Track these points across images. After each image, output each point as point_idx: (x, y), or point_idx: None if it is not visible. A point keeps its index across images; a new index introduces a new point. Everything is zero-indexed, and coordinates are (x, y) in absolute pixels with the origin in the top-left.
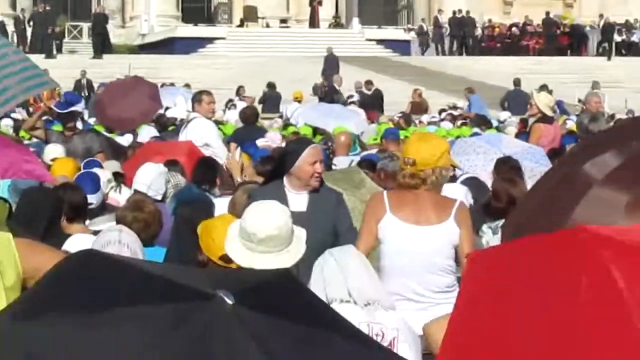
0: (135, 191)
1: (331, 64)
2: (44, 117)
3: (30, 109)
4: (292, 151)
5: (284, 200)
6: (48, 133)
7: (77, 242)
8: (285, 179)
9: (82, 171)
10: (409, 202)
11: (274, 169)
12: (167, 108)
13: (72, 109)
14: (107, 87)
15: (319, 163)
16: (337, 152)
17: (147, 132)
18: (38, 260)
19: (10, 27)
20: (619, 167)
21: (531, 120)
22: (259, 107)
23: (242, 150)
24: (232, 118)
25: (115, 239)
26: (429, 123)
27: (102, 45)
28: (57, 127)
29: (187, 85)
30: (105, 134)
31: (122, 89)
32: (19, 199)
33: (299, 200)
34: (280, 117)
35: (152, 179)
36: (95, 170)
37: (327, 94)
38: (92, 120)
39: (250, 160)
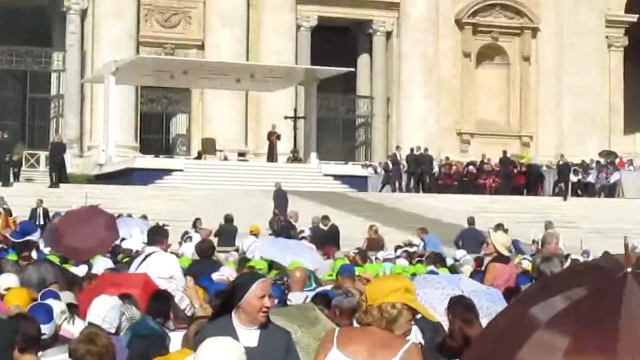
0: (89, 323)
1: (280, 198)
2: None
3: None
4: (241, 284)
5: (233, 335)
6: (2, 262)
7: None
8: (233, 313)
9: (36, 302)
10: (357, 338)
11: (223, 303)
12: (122, 239)
13: (28, 238)
14: (64, 216)
15: (268, 297)
16: (292, 287)
17: (101, 263)
18: None
19: None
20: (564, 311)
21: (487, 259)
22: (215, 240)
23: (197, 283)
24: (188, 251)
25: None
26: (385, 260)
27: (59, 174)
28: (12, 256)
29: (144, 217)
30: (59, 264)
31: (79, 219)
32: None
33: (248, 335)
34: (236, 250)
35: (106, 311)
36: (50, 300)
37: (284, 228)
38: (47, 250)
39: (205, 294)
